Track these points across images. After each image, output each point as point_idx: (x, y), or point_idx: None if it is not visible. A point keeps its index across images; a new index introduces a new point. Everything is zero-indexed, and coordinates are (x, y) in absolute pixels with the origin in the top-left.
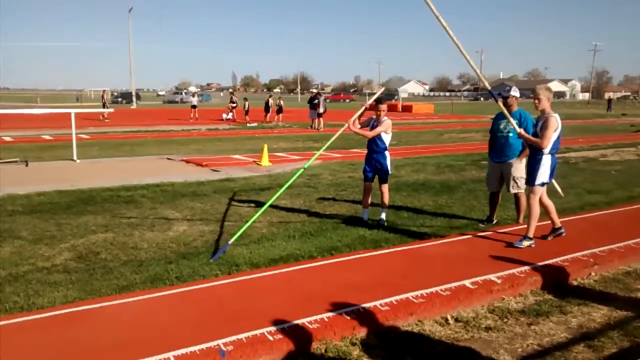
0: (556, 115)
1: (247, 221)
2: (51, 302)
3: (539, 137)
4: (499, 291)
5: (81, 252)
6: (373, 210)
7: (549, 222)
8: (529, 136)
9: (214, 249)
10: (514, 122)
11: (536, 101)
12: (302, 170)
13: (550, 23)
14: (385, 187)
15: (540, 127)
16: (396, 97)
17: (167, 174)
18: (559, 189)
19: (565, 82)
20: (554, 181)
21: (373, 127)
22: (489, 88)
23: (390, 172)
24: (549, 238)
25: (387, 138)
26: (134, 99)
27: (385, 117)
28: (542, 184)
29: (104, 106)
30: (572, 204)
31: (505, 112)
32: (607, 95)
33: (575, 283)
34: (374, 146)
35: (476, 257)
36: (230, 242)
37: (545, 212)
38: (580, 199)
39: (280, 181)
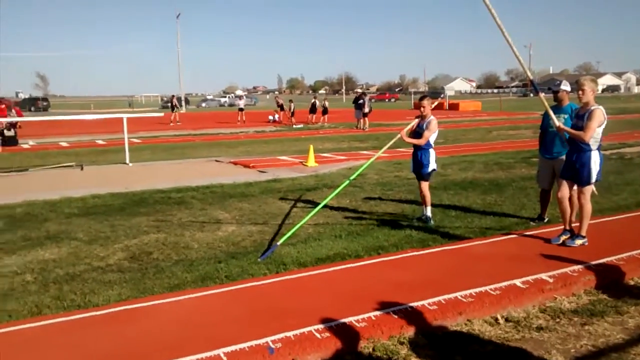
0: (601, 108)
1: (295, 224)
2: (106, 300)
3: (582, 129)
4: (550, 290)
5: (134, 252)
6: (420, 209)
7: (600, 220)
8: (569, 129)
9: (264, 249)
10: (553, 115)
11: (580, 92)
12: (347, 181)
13: (601, 14)
14: (424, 185)
15: (585, 119)
16: (442, 96)
17: (216, 175)
18: (594, 188)
19: (619, 75)
20: None
21: (420, 127)
22: (531, 77)
23: (430, 171)
24: (560, 241)
25: (432, 137)
26: (183, 103)
27: (432, 117)
28: (594, 182)
29: (173, 110)
30: (628, 201)
31: (546, 104)
32: None
33: (631, 282)
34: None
35: (527, 256)
36: (279, 243)
37: (562, 210)
38: (636, 195)
39: (326, 181)
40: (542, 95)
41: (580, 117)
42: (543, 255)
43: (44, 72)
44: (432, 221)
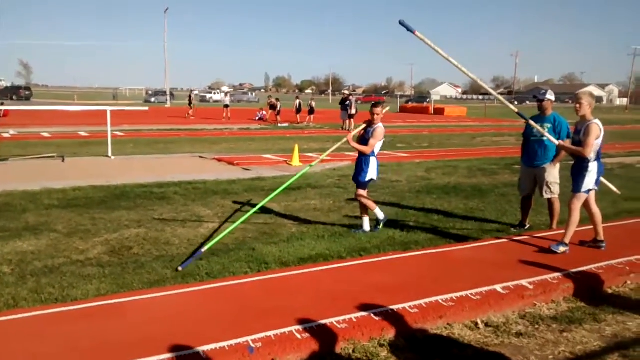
0: (597, 122)
1: (223, 231)
2: (85, 295)
3: (581, 144)
4: (530, 297)
5: (114, 247)
6: (403, 212)
7: (580, 229)
8: (569, 146)
9: (239, 249)
10: (550, 136)
11: (577, 106)
12: (291, 181)
13: (587, 26)
14: (360, 193)
15: (582, 134)
16: (428, 100)
17: (200, 172)
18: (613, 187)
19: (602, 87)
20: (605, 180)
21: (367, 133)
22: (485, 86)
23: (367, 180)
24: (586, 245)
25: (377, 145)
26: (168, 97)
27: (379, 124)
28: (587, 191)
29: (190, 105)
30: (608, 211)
31: (532, 122)
32: None
33: (610, 291)
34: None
35: (508, 262)
36: (202, 250)
37: (590, 220)
38: (615, 206)
39: (310, 181)
40: (506, 101)
41: (577, 132)
42: (523, 261)
43: (28, 61)
44: (367, 231)
